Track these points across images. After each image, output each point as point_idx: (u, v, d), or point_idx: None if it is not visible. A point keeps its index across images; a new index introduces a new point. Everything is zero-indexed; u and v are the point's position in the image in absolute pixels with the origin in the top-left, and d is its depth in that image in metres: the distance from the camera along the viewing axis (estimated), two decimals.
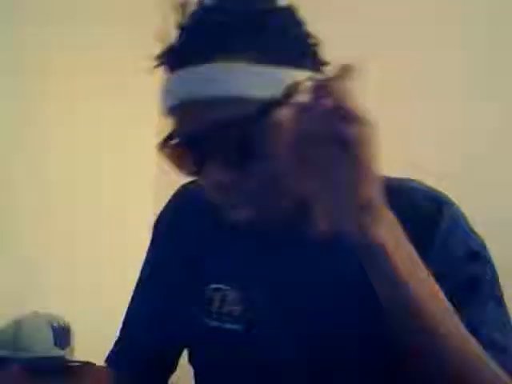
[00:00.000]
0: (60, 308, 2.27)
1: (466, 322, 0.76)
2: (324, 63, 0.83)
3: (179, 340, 0.97)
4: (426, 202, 0.84)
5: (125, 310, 1.04)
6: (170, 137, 0.84)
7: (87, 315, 2.33)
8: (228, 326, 0.88)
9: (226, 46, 0.76)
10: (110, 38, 2.68)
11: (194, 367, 0.96)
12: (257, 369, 0.86)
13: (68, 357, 2.21)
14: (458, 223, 0.83)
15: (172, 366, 1.03)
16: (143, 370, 1.01)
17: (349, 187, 0.62)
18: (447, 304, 0.71)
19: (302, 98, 0.66)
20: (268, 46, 0.76)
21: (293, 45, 0.79)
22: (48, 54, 2.46)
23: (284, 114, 0.73)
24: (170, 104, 0.82)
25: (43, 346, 2.16)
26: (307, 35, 0.82)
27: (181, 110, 0.80)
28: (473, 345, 0.71)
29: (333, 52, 0.83)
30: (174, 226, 0.98)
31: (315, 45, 0.82)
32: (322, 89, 0.61)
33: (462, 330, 0.71)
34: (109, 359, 1.03)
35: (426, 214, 0.83)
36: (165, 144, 0.84)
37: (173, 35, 0.83)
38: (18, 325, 2.18)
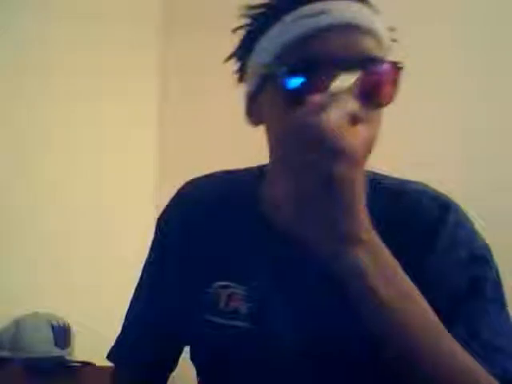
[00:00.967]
0: (60, 308, 2.26)
1: (467, 324, 0.76)
2: None
3: (183, 337, 0.97)
4: (430, 204, 0.84)
5: (125, 310, 1.04)
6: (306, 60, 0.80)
7: (87, 315, 2.33)
8: (234, 322, 0.88)
9: None
10: (110, 38, 2.68)
11: (198, 365, 0.95)
12: (262, 366, 0.86)
13: (68, 357, 2.21)
14: (462, 225, 0.84)
15: (173, 364, 1.03)
16: (144, 366, 1.01)
17: (330, 218, 0.63)
18: (434, 319, 0.70)
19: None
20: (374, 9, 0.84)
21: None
22: (48, 54, 2.46)
23: None
24: (323, 24, 0.79)
25: (43, 345, 2.16)
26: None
27: (332, 31, 0.79)
28: (465, 361, 0.70)
29: None
30: (179, 223, 0.98)
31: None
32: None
33: (453, 348, 0.70)
34: (110, 355, 1.03)
35: (430, 215, 0.83)
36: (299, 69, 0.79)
37: None
38: (17, 325, 2.18)
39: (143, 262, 1.04)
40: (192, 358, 0.96)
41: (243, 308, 0.88)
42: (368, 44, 0.79)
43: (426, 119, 2.23)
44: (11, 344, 2.14)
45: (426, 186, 0.89)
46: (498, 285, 0.82)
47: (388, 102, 0.80)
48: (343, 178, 0.61)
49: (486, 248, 0.84)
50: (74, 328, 2.27)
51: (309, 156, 0.61)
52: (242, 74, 0.89)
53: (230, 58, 0.91)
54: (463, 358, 0.70)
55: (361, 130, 0.64)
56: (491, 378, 0.71)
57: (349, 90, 0.70)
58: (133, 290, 1.04)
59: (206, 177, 1.00)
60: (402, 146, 2.20)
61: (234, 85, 0.91)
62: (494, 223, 1.78)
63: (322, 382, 0.84)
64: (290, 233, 0.65)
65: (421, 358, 0.68)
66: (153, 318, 0.99)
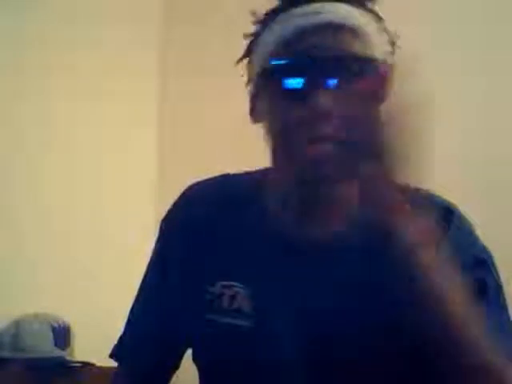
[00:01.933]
0: (60, 308, 2.26)
1: None
2: None
3: (185, 337, 0.97)
4: (434, 209, 0.85)
5: (125, 310, 1.04)
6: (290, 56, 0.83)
7: (87, 315, 2.33)
8: (238, 322, 0.88)
9: None
10: (110, 38, 2.68)
11: (200, 365, 0.95)
12: (264, 365, 0.86)
13: (68, 357, 2.21)
14: (465, 231, 0.85)
15: (176, 364, 1.03)
16: (147, 365, 1.01)
17: None
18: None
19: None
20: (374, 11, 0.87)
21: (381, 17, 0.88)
22: (48, 54, 2.46)
23: None
24: (315, 22, 0.82)
25: (43, 346, 2.16)
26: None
27: (323, 30, 0.81)
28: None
29: None
30: (183, 225, 0.98)
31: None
32: None
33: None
34: (113, 354, 1.03)
35: (435, 221, 0.83)
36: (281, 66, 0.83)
37: None
38: (17, 325, 2.18)
39: (143, 262, 1.04)
40: (194, 358, 0.96)
41: (246, 307, 0.88)
42: (352, 43, 0.81)
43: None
44: (11, 344, 2.14)
45: (429, 191, 0.89)
46: (500, 289, 0.83)
47: (378, 102, 0.80)
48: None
49: (489, 253, 0.86)
50: (74, 328, 2.28)
51: None
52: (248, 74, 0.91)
53: (240, 60, 0.92)
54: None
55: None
56: None
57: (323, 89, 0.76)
58: (133, 290, 1.04)
59: (210, 179, 1.01)
60: None
61: (233, 85, 0.92)
62: (494, 223, 1.78)
63: (325, 382, 0.85)
64: None
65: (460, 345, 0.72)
66: (156, 317, 0.99)
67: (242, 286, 0.89)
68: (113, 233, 2.62)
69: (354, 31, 0.81)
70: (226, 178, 1.00)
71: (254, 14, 0.89)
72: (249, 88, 0.91)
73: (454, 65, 2.22)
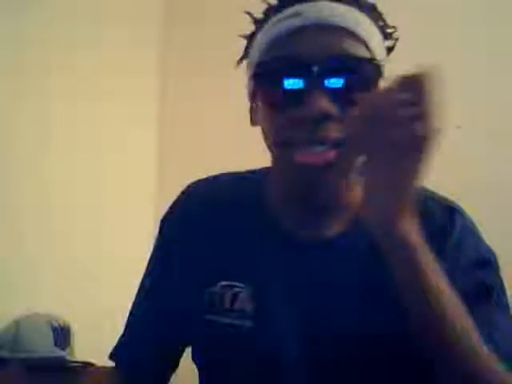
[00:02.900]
0: (60, 308, 2.26)
1: (474, 325, 0.77)
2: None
3: (185, 337, 0.97)
4: (437, 211, 0.85)
5: (125, 309, 1.04)
6: (276, 61, 0.83)
7: (87, 315, 2.33)
8: (239, 322, 0.88)
9: None
10: (110, 37, 2.68)
11: (200, 364, 0.95)
12: (265, 365, 0.86)
13: (68, 357, 2.21)
14: (469, 232, 0.85)
15: (175, 363, 1.03)
16: (147, 365, 1.01)
17: (403, 178, 0.68)
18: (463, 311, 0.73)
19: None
20: (374, 9, 0.86)
21: (384, 21, 0.87)
22: (48, 54, 2.46)
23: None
24: (298, 25, 0.81)
25: (43, 346, 2.16)
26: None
27: (306, 32, 0.81)
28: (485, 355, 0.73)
29: None
30: (183, 224, 0.98)
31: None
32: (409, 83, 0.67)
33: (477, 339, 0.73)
34: (113, 355, 1.03)
35: (438, 222, 0.84)
36: (269, 67, 0.83)
37: None
38: (17, 325, 2.18)
39: (143, 262, 1.04)
40: (193, 358, 0.96)
41: (248, 307, 0.88)
42: (343, 43, 0.80)
43: None
44: (11, 344, 2.14)
45: (430, 190, 0.89)
46: (503, 289, 0.83)
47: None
48: (428, 139, 0.66)
49: (492, 252, 0.86)
50: (74, 328, 2.28)
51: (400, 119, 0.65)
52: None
53: (239, 61, 0.92)
54: (483, 350, 0.73)
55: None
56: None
57: (318, 90, 0.76)
58: (133, 290, 1.04)
59: (210, 178, 1.01)
60: None
61: (233, 85, 0.92)
62: (493, 223, 1.78)
63: (326, 382, 0.85)
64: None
65: (450, 340, 0.71)
66: (156, 317, 0.99)
67: (242, 285, 0.89)
68: (113, 233, 2.62)
69: (343, 31, 0.80)
70: (225, 177, 1.00)
71: (249, 14, 0.89)
72: (247, 89, 0.91)
73: (455, 65, 2.22)
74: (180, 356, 1.02)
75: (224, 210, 0.94)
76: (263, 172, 0.95)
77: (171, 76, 2.89)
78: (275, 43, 0.82)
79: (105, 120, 2.65)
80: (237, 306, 0.89)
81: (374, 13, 0.85)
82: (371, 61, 0.81)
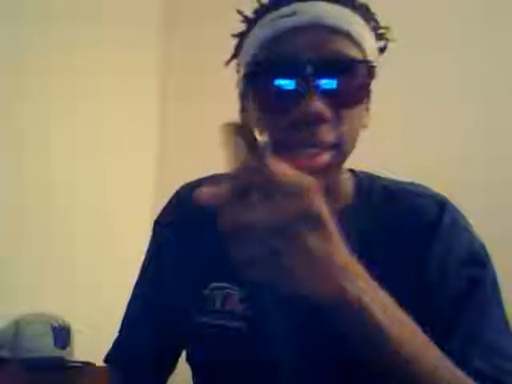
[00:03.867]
0: (60, 308, 2.27)
1: (466, 322, 0.76)
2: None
3: (179, 339, 0.97)
4: (427, 205, 0.84)
5: (124, 309, 1.04)
6: (267, 65, 0.81)
7: (87, 315, 2.33)
8: (230, 324, 0.88)
9: None
10: (110, 37, 2.68)
11: (194, 366, 0.95)
12: (258, 367, 0.86)
13: (68, 357, 2.21)
14: (460, 226, 0.84)
15: (172, 366, 1.03)
16: (142, 369, 1.01)
17: (319, 257, 0.58)
18: (427, 340, 0.68)
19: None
20: (367, 9, 0.85)
21: (377, 22, 0.87)
22: (48, 54, 2.46)
23: None
24: (292, 24, 0.80)
25: (43, 345, 2.16)
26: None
27: (301, 32, 0.79)
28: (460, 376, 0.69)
29: None
30: (176, 225, 0.98)
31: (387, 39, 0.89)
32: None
33: (445, 362, 0.68)
34: (108, 359, 1.03)
35: (427, 216, 0.83)
36: (261, 69, 0.82)
37: None
38: (17, 325, 2.18)
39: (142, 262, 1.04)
40: (188, 359, 0.96)
41: (239, 309, 0.88)
42: (337, 44, 0.79)
43: (426, 119, 2.24)
44: (11, 344, 2.14)
45: (422, 186, 0.89)
46: (495, 284, 0.82)
47: (358, 102, 0.80)
48: (312, 211, 0.57)
49: (483, 247, 0.84)
50: (74, 328, 2.28)
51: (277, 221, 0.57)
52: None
53: (229, 60, 0.92)
54: (455, 375, 0.69)
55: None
56: None
57: (312, 92, 0.74)
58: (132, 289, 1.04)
59: (203, 179, 1.00)
60: (401, 146, 2.20)
61: (233, 85, 0.92)
62: (493, 223, 1.78)
63: (320, 383, 0.84)
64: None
65: (411, 376, 0.66)
66: (149, 319, 0.99)
67: (233, 287, 0.89)
68: (113, 233, 2.62)
69: (337, 31, 0.79)
70: (219, 178, 0.99)
71: (239, 12, 0.88)
72: (238, 88, 0.90)
73: (456, 64, 2.22)
74: (176, 358, 1.02)
75: (215, 212, 0.94)
76: None
77: (171, 76, 2.89)
78: (269, 42, 0.81)
79: (105, 119, 2.65)
80: (228, 307, 0.88)
81: (367, 13, 0.85)
82: (364, 62, 0.80)
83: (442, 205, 0.84)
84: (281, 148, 0.79)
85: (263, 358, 0.85)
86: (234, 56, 0.91)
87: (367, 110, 0.86)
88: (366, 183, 0.88)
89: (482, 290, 0.80)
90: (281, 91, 0.78)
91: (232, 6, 0.94)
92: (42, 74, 2.45)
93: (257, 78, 0.81)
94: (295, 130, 0.77)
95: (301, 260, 0.57)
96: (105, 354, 1.04)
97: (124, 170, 2.73)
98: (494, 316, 0.79)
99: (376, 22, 0.86)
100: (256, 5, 0.87)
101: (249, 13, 0.87)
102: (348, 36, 0.79)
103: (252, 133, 0.58)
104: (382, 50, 0.87)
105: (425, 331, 0.67)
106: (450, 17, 2.24)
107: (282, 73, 0.78)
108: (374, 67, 0.81)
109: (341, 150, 0.79)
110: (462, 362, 0.69)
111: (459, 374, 0.69)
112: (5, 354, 2.12)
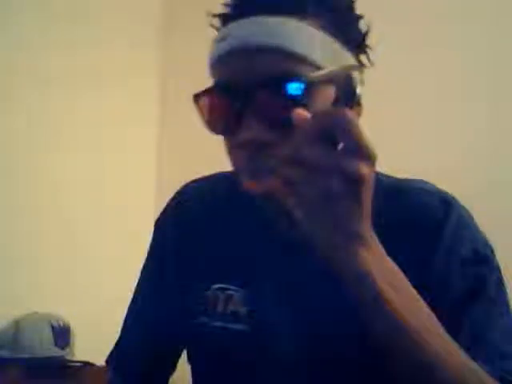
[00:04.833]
0: (60, 308, 2.27)
1: (471, 325, 0.76)
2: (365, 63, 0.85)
3: (180, 340, 0.96)
4: (433, 203, 0.84)
5: (125, 310, 1.04)
6: (210, 89, 0.80)
7: (87, 315, 2.33)
8: (233, 325, 0.87)
9: (300, 5, 0.77)
10: (110, 37, 2.68)
11: (194, 367, 0.95)
12: (259, 368, 0.86)
13: (68, 357, 2.21)
14: (465, 224, 0.83)
15: (172, 367, 1.03)
16: (144, 370, 1.01)
17: (343, 219, 0.61)
18: (436, 323, 0.69)
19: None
20: (327, 15, 0.78)
21: (356, 33, 0.81)
22: (48, 54, 2.46)
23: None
24: (222, 51, 0.78)
25: (43, 345, 2.16)
26: (364, 31, 0.84)
27: (234, 55, 0.76)
28: (462, 357, 0.70)
29: None
30: (177, 225, 0.97)
31: (365, 44, 0.84)
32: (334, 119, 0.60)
33: (452, 347, 0.69)
34: (109, 360, 1.03)
35: (433, 214, 0.82)
36: (204, 94, 0.80)
37: None
38: (17, 325, 2.18)
39: (143, 262, 1.04)
40: (189, 359, 0.96)
41: (241, 310, 0.87)
42: (273, 63, 0.75)
43: (426, 119, 2.23)
44: (11, 344, 2.14)
45: (428, 183, 0.88)
46: (500, 283, 0.82)
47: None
48: (367, 180, 0.60)
49: (489, 246, 0.84)
50: (74, 328, 2.28)
51: (337, 156, 0.59)
52: None
53: None
54: (466, 361, 0.69)
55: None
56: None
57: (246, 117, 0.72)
58: (133, 290, 1.04)
59: (205, 178, 1.00)
60: (401, 146, 2.20)
61: None
62: (494, 223, 1.78)
63: (323, 383, 0.84)
64: (301, 236, 0.63)
65: (423, 360, 0.67)
66: (151, 320, 0.99)
67: (236, 288, 0.88)
68: (113, 232, 2.62)
69: (271, 49, 0.74)
70: (220, 177, 0.99)
71: (214, 16, 0.84)
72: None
73: (457, 65, 2.22)
74: (177, 359, 1.02)
75: (217, 211, 0.93)
76: None
77: (171, 76, 2.89)
78: (211, 68, 0.80)
79: (105, 119, 2.65)
80: (230, 308, 0.88)
81: (333, 17, 0.79)
82: (303, 76, 0.74)
83: (447, 203, 0.84)
84: (235, 171, 0.79)
85: (265, 360, 0.85)
86: None
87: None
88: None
89: (487, 289, 0.80)
90: (224, 115, 0.77)
91: None
92: (42, 74, 2.45)
93: (209, 96, 0.80)
94: (240, 155, 0.77)
95: (337, 210, 0.61)
96: (105, 354, 1.04)
97: (124, 169, 2.72)
98: (499, 315, 0.79)
99: (348, 24, 0.81)
100: None
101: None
102: (285, 51, 0.74)
103: None
104: (359, 56, 0.83)
105: None
106: (452, 17, 2.24)
107: (223, 98, 0.77)
108: (325, 76, 0.76)
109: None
110: None
111: (468, 361, 0.69)
112: (5, 354, 2.12)
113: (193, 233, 0.95)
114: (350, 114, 0.59)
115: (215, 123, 0.80)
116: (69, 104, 2.54)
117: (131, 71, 2.76)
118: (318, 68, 0.75)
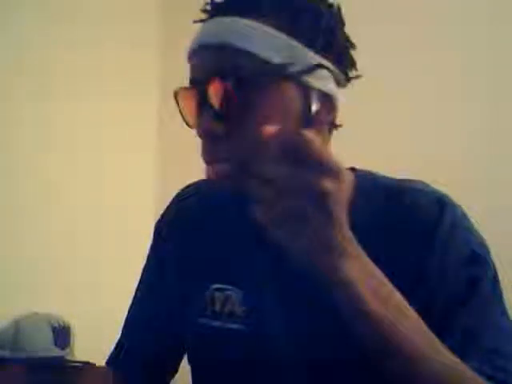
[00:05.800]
0: (60, 308, 2.27)
1: (466, 326, 0.76)
2: (348, 65, 0.86)
3: (181, 341, 0.97)
4: (428, 203, 0.84)
5: (125, 310, 1.04)
6: (184, 86, 0.86)
7: (87, 315, 2.33)
8: (230, 325, 0.88)
9: (255, 5, 0.80)
10: (110, 37, 2.68)
11: (194, 367, 0.95)
12: (257, 369, 0.86)
13: (68, 357, 2.21)
14: (460, 225, 0.83)
15: (174, 367, 1.03)
16: (145, 371, 1.01)
17: (317, 232, 0.63)
18: (424, 327, 0.70)
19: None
20: (294, 19, 0.81)
21: (320, 32, 0.82)
22: (48, 54, 2.46)
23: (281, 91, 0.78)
24: (190, 48, 0.85)
25: (43, 346, 2.16)
26: (342, 34, 0.85)
27: (195, 54, 0.83)
28: (457, 368, 0.70)
29: None
30: (177, 227, 0.98)
31: (345, 45, 0.85)
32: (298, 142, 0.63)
33: (441, 350, 0.70)
34: (110, 361, 1.03)
35: (428, 215, 0.82)
36: (179, 91, 0.86)
37: None
38: (17, 325, 2.18)
39: (143, 262, 1.04)
40: (189, 360, 0.96)
41: (239, 311, 0.88)
42: (225, 60, 0.79)
43: (426, 119, 2.23)
44: (11, 344, 2.14)
45: (424, 184, 0.88)
46: (496, 284, 0.82)
47: (235, 115, 0.79)
48: (333, 194, 0.62)
49: (485, 246, 0.84)
50: (74, 328, 2.28)
51: (300, 175, 0.62)
52: None
53: None
54: (458, 368, 0.70)
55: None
56: None
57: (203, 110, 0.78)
58: (133, 290, 1.04)
59: (202, 182, 1.00)
60: (401, 146, 2.20)
61: None
62: (494, 223, 1.78)
63: (321, 383, 0.84)
64: (281, 247, 0.65)
65: (412, 369, 0.67)
66: (151, 321, 0.99)
67: (234, 288, 0.89)
68: (113, 233, 2.62)
69: (227, 48, 0.79)
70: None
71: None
72: None
73: (457, 65, 2.22)
74: (178, 359, 1.02)
75: (216, 213, 0.94)
76: None
77: (171, 76, 2.89)
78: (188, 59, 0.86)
79: (105, 120, 2.65)
80: (228, 308, 0.88)
81: (291, 18, 0.81)
82: (250, 72, 0.78)
83: (443, 203, 0.84)
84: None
85: (263, 360, 0.85)
86: None
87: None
88: (367, 182, 0.88)
89: (482, 290, 0.80)
90: (189, 108, 0.83)
91: None
92: (42, 74, 2.45)
93: (181, 92, 0.86)
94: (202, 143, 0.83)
95: (309, 226, 0.62)
96: (105, 354, 1.04)
97: (124, 169, 2.73)
98: (494, 315, 0.79)
99: (312, 30, 0.82)
100: None
101: None
102: (239, 51, 0.79)
103: None
104: (329, 57, 0.83)
105: None
106: (452, 17, 2.24)
107: (188, 92, 0.83)
108: (277, 71, 0.79)
109: (237, 163, 0.79)
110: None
111: (453, 363, 0.70)
112: (5, 354, 2.12)
113: (192, 234, 0.95)
114: (308, 134, 0.62)
115: (186, 117, 0.85)
116: (68, 104, 2.54)
117: (131, 71, 2.76)
118: (271, 65, 0.78)
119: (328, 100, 0.82)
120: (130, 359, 1.01)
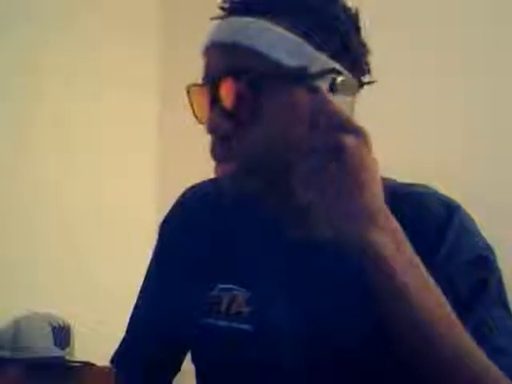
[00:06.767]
0: (60, 308, 2.26)
1: (472, 326, 0.76)
2: (362, 71, 0.86)
3: (185, 340, 0.97)
4: (435, 207, 0.84)
5: (124, 310, 1.04)
6: (196, 82, 0.87)
7: (87, 315, 2.33)
8: (237, 325, 0.87)
9: (270, 7, 0.81)
10: (110, 37, 2.68)
11: (198, 366, 0.95)
12: (263, 369, 0.86)
13: (68, 357, 2.21)
14: (467, 228, 0.84)
15: (177, 366, 1.03)
16: (148, 370, 1.01)
17: (346, 194, 0.64)
18: (448, 307, 0.71)
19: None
20: (309, 22, 0.80)
21: (335, 35, 0.82)
22: (48, 54, 2.46)
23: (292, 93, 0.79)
24: (204, 45, 0.86)
25: (43, 346, 2.16)
26: (358, 39, 0.85)
27: (208, 51, 0.84)
28: (472, 345, 0.71)
29: None
30: (182, 227, 0.98)
31: (360, 50, 0.85)
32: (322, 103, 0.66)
33: (461, 330, 0.71)
34: (114, 359, 1.03)
35: (435, 219, 0.83)
36: (192, 87, 0.88)
37: None
38: (17, 325, 2.18)
39: (144, 263, 1.04)
40: (193, 359, 0.96)
41: (245, 311, 0.88)
42: (235, 59, 0.80)
43: (426, 119, 2.24)
44: (11, 344, 2.14)
45: (430, 188, 0.89)
46: (501, 286, 0.83)
47: (243, 117, 0.80)
48: (353, 149, 0.64)
49: (490, 250, 0.84)
50: (74, 328, 2.28)
51: (321, 134, 0.65)
52: None
53: None
54: (479, 352, 0.71)
55: None
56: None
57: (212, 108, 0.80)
58: (133, 291, 1.04)
59: (207, 181, 1.00)
60: (401, 146, 2.20)
61: None
62: (494, 223, 1.78)
63: (327, 383, 0.84)
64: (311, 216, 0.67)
65: (434, 348, 0.69)
66: (155, 321, 0.99)
67: (240, 288, 0.89)
68: (113, 233, 2.62)
69: (237, 47, 0.80)
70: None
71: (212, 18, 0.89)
72: None
73: (457, 65, 2.22)
74: (181, 359, 1.02)
75: (221, 212, 0.94)
76: None
77: (171, 76, 2.89)
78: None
79: (105, 120, 2.65)
80: (234, 309, 0.88)
81: (305, 20, 0.81)
82: (261, 73, 0.79)
83: (449, 207, 0.84)
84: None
85: (269, 360, 0.85)
86: None
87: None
88: None
89: (489, 292, 0.80)
90: (201, 106, 0.85)
91: None
92: (42, 74, 2.45)
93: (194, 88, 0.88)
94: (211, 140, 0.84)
95: (334, 186, 0.65)
96: (105, 354, 1.04)
97: (124, 169, 2.73)
98: (499, 319, 0.80)
99: (325, 33, 0.81)
100: None
101: None
102: (249, 50, 0.79)
103: None
104: (341, 61, 0.82)
105: None
106: (453, 18, 2.24)
107: (200, 89, 0.85)
108: (285, 72, 0.79)
109: (242, 162, 0.80)
110: None
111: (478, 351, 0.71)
112: (5, 353, 2.12)
113: (197, 234, 0.95)
114: (324, 95, 0.66)
115: (196, 113, 0.87)
116: (68, 104, 2.54)
117: (131, 71, 2.76)
118: (283, 67, 0.79)
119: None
120: (133, 356, 1.01)
